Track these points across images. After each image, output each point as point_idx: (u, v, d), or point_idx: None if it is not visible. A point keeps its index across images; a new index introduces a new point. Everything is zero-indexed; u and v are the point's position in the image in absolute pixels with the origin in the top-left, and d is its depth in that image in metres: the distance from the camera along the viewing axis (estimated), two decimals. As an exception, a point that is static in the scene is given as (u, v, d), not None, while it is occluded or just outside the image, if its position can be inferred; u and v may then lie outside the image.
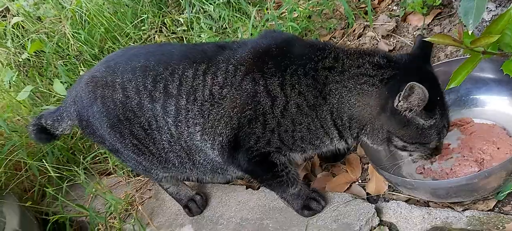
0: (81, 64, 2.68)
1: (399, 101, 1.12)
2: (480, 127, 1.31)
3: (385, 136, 1.20)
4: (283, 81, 1.22)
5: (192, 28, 2.63)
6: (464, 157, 1.29)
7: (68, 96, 1.54)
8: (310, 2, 2.29)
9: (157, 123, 1.33)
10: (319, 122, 1.23)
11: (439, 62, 1.52)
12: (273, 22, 2.21)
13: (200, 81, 1.28)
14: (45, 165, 1.90)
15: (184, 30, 2.68)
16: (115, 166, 2.06)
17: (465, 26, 1.05)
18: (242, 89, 1.24)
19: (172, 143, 1.36)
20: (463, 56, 1.44)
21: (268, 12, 2.25)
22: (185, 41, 2.57)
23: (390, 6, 2.09)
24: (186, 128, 1.31)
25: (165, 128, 1.33)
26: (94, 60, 2.72)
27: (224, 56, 1.29)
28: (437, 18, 1.88)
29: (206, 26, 2.51)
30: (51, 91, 2.50)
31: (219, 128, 1.27)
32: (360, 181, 1.49)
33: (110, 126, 1.38)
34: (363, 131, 1.23)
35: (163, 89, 1.31)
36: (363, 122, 1.21)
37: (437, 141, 1.19)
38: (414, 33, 1.89)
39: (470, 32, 1.05)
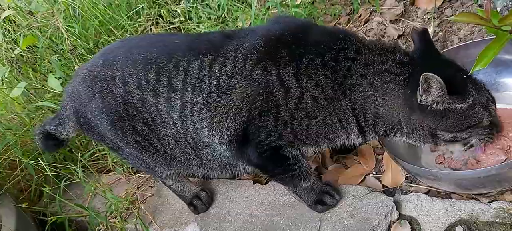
0: (75, 58, 2.59)
1: (422, 97, 1.06)
2: (503, 112, 1.23)
3: (428, 132, 1.12)
4: (298, 71, 1.14)
5: (190, 19, 2.54)
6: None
7: (65, 95, 1.45)
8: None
9: (162, 117, 1.25)
10: (337, 116, 1.15)
11: (455, 46, 1.43)
12: (276, 9, 2.13)
13: (206, 73, 1.20)
14: (41, 163, 1.82)
15: (182, 21, 2.60)
16: (115, 163, 1.98)
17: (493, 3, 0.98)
18: (253, 79, 1.16)
19: (178, 139, 1.28)
20: (481, 38, 1.36)
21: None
22: (183, 32, 2.48)
23: (397, -10, 2.01)
24: (192, 123, 1.23)
25: (170, 123, 1.25)
26: (89, 54, 2.63)
27: (232, 45, 1.21)
28: (447, 1, 1.80)
29: (204, 16, 2.43)
30: (45, 87, 2.41)
31: (228, 120, 1.19)
32: (374, 173, 1.42)
33: (110, 122, 1.30)
34: (395, 131, 1.16)
35: (167, 83, 1.23)
36: (393, 121, 1.14)
37: (488, 117, 1.11)
38: (424, 17, 1.81)
39: (499, 9, 0.97)
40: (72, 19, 2.75)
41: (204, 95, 1.20)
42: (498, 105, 1.24)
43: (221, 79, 1.18)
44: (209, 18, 2.42)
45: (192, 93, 1.21)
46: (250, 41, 1.20)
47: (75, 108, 1.38)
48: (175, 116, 1.24)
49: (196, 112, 1.22)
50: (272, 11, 2.15)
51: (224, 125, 1.20)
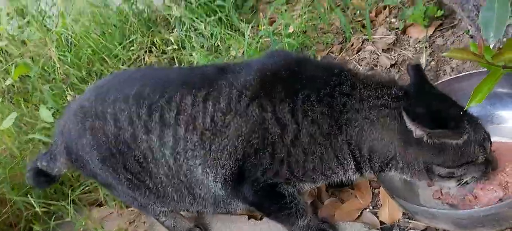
0: (68, 88, 2.57)
1: (417, 131, 1.05)
2: (499, 146, 1.22)
3: (423, 167, 1.11)
4: (294, 107, 1.12)
5: (184, 47, 2.54)
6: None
7: (57, 130, 1.43)
8: (304, 16, 2.22)
9: (154, 155, 1.23)
10: (334, 152, 1.14)
11: (447, 78, 1.43)
12: (268, 38, 2.13)
13: (199, 109, 1.17)
14: (30, 200, 1.77)
15: (175, 49, 2.59)
16: (106, 195, 1.94)
17: (485, 39, 0.97)
18: (248, 116, 1.13)
19: (170, 177, 1.25)
20: (474, 71, 1.36)
21: (262, 28, 2.17)
22: (176, 61, 2.47)
23: (388, 19, 2.02)
24: (185, 160, 1.21)
25: (163, 160, 1.23)
26: (81, 83, 2.62)
27: (227, 80, 1.19)
28: (438, 29, 1.81)
29: (197, 45, 2.42)
30: (37, 118, 2.39)
31: (222, 159, 1.17)
32: (371, 208, 1.39)
33: (101, 160, 1.28)
34: (390, 165, 1.14)
35: (159, 118, 1.20)
36: (388, 156, 1.13)
37: (483, 155, 1.10)
38: (416, 46, 1.82)
39: (491, 46, 0.97)
40: (65, 48, 2.74)
41: (198, 133, 1.17)
42: (494, 138, 1.23)
43: (215, 116, 1.16)
44: (202, 47, 2.42)
45: (185, 129, 1.19)
46: (245, 77, 1.18)
47: (66, 144, 1.36)
48: (167, 153, 1.21)
49: (189, 150, 1.19)
50: (264, 40, 2.15)
51: (219, 163, 1.18)
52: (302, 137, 1.12)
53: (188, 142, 1.18)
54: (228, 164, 1.17)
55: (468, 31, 1.53)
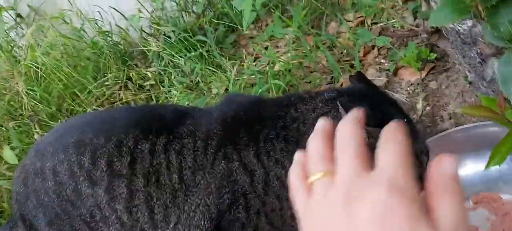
0: (35, 125, 2.40)
1: None
2: None
3: None
4: (257, 150, 1.05)
5: (162, 83, 2.42)
6: (500, 245, 1.11)
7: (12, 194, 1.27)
8: (288, 54, 2.14)
9: (102, 212, 1.08)
10: None
11: (453, 129, 1.34)
12: (253, 76, 2.03)
13: (162, 160, 1.05)
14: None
15: (152, 85, 2.47)
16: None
17: (507, 98, 0.89)
18: (215, 171, 1.04)
19: None
20: (478, 123, 1.29)
21: (246, 67, 2.07)
22: (153, 98, 2.35)
23: (377, 59, 1.95)
24: (147, 215, 1.07)
25: (113, 217, 1.08)
26: (51, 120, 2.46)
27: (188, 127, 1.09)
28: (431, 73, 1.74)
29: (177, 82, 2.31)
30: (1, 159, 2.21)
31: (195, 219, 1.06)
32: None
33: (47, 223, 1.12)
34: None
35: (106, 167, 1.05)
36: None
37: (418, 169, 1.00)
38: (408, 88, 1.75)
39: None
40: (34, 82, 2.58)
41: (168, 192, 1.05)
42: (506, 196, 1.15)
43: (184, 175, 1.05)
44: (181, 84, 2.30)
45: (146, 182, 1.05)
46: (207, 126, 1.09)
47: (17, 210, 1.20)
48: (120, 207, 1.06)
49: (156, 205, 1.06)
50: (249, 78, 2.05)
51: (192, 223, 1.06)
52: (271, 180, 1.05)
53: (152, 197, 1.05)
54: (202, 224, 1.07)
55: (466, 77, 1.47)
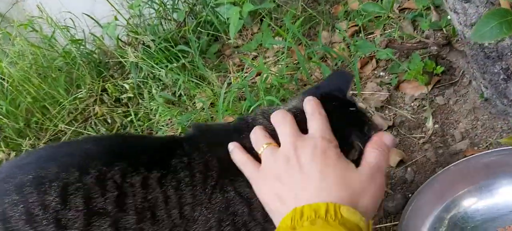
0: (1, 142, 2.19)
1: None
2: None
3: None
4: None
5: (140, 95, 2.24)
6: None
7: None
8: (279, 65, 2.00)
9: None
10: None
11: (479, 154, 1.20)
12: (243, 90, 1.87)
13: (158, 194, 0.90)
14: None
15: (130, 98, 2.29)
16: None
17: None
18: (213, 204, 0.93)
19: None
20: (497, 149, 1.16)
21: (234, 80, 1.91)
22: (132, 112, 2.16)
23: (376, 71, 1.82)
24: None
25: None
26: (18, 136, 2.25)
27: (180, 159, 0.95)
28: (436, 87, 1.62)
29: (157, 94, 2.14)
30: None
31: None
32: None
33: None
34: None
35: (83, 204, 0.86)
36: None
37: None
38: (412, 104, 1.62)
39: None
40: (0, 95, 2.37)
41: (168, 226, 0.90)
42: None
43: (184, 211, 0.91)
44: (160, 97, 2.13)
45: (139, 218, 0.88)
46: (201, 155, 0.96)
47: None
48: None
49: None
50: (240, 92, 1.89)
51: None
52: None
53: None
54: None
55: (482, 93, 1.34)
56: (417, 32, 1.79)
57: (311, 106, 0.89)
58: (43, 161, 0.91)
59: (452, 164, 1.14)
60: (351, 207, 0.74)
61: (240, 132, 0.99)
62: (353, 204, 0.76)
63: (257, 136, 0.90)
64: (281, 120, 0.88)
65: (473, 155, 1.15)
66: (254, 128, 0.92)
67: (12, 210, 0.84)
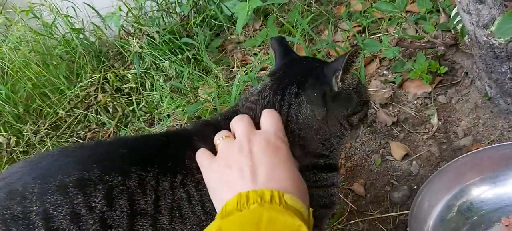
0: (0, 127, 2.18)
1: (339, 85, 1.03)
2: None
3: (348, 125, 1.05)
4: None
5: (143, 85, 2.26)
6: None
7: None
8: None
9: None
10: None
11: (487, 147, 1.27)
12: (250, 83, 1.92)
13: (183, 194, 0.93)
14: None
15: (132, 88, 2.30)
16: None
17: None
18: None
19: None
20: (502, 144, 1.23)
21: (244, 74, 1.95)
22: (134, 101, 2.18)
23: (379, 70, 1.89)
24: None
25: None
26: (17, 121, 2.24)
27: (192, 161, 0.96)
28: (439, 86, 1.69)
29: (162, 84, 2.16)
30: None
31: None
32: None
33: None
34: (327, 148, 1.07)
35: (128, 206, 0.90)
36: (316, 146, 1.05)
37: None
38: (415, 102, 1.69)
39: None
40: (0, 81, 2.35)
41: (193, 224, 0.94)
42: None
43: (206, 207, 0.94)
44: (162, 87, 2.15)
45: (170, 218, 0.93)
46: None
47: None
48: None
49: None
50: (247, 84, 1.93)
51: None
52: None
53: None
54: None
55: (486, 93, 1.42)
56: (419, 34, 1.86)
57: (267, 110, 0.93)
58: (84, 163, 0.94)
59: (461, 156, 1.21)
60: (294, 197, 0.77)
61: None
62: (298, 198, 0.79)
63: (219, 133, 0.93)
64: (237, 120, 0.92)
65: (486, 147, 1.21)
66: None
67: (56, 210, 0.86)
